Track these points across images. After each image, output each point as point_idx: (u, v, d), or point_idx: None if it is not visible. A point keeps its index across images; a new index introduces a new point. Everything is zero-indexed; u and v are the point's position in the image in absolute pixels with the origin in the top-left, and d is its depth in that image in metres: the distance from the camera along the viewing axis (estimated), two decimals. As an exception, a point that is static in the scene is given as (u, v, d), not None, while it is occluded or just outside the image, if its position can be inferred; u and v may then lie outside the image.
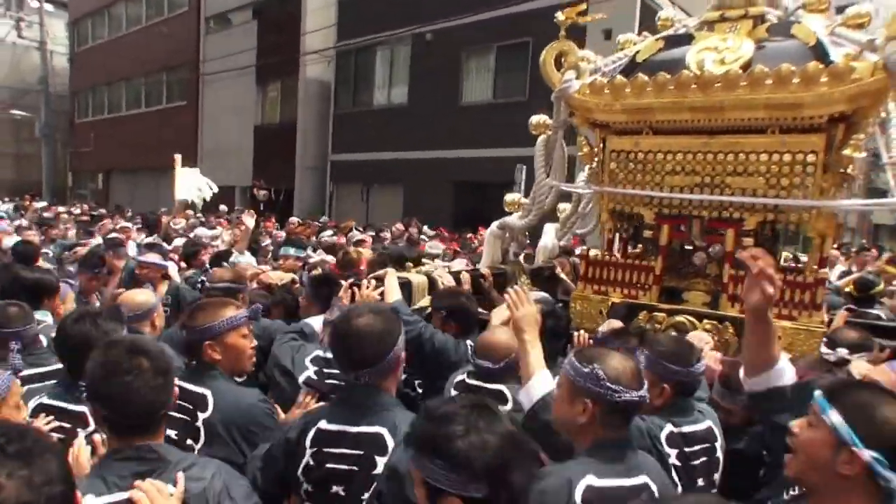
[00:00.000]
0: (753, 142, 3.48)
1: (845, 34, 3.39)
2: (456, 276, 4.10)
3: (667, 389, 2.48)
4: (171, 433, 2.24)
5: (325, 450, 2.15)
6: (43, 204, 16.64)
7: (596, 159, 4.14)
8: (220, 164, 24.30)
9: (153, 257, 5.06)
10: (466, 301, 3.61)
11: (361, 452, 2.12)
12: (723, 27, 3.84)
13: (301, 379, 2.98)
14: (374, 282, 3.53)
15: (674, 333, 3.41)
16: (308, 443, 2.16)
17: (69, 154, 34.38)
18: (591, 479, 1.87)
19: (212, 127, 25.08)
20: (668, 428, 2.42)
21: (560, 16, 3.95)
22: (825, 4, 3.70)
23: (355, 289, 3.42)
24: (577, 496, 1.84)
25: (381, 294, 3.45)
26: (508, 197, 4.75)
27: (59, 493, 1.18)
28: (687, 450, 2.42)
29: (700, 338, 3.22)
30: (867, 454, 1.51)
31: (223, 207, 17.86)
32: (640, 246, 4.39)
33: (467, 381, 2.81)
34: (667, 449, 2.38)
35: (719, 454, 2.55)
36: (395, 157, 18.49)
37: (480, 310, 3.75)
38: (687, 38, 3.88)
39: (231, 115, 23.75)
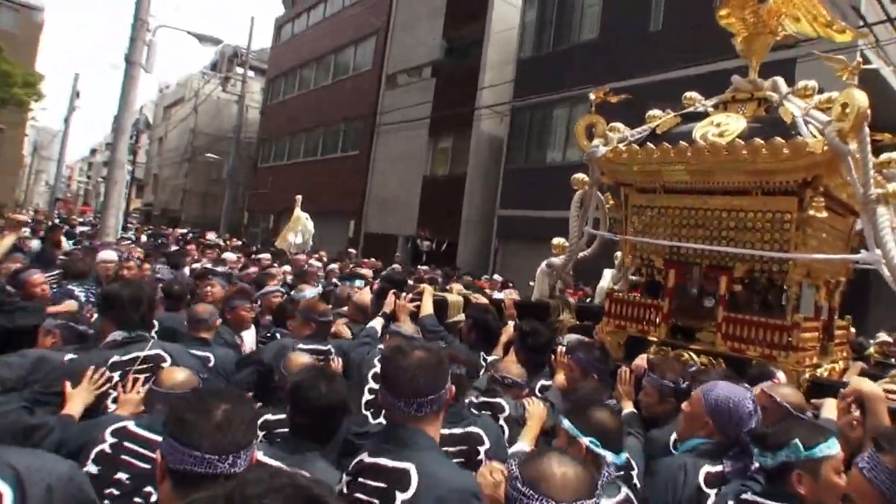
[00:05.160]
0: (741, 202, 4.64)
1: (816, 115, 4.41)
2: (497, 302, 5.53)
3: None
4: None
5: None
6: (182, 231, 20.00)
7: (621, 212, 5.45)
8: (386, 212, 26.95)
9: None
10: (491, 318, 4.96)
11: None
12: (734, 107, 5.05)
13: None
14: (410, 295, 4.95)
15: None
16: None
17: (248, 195, 40.00)
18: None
19: (381, 176, 27.88)
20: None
21: (591, 96, 5.34)
22: (809, 92, 4.79)
23: (394, 296, 4.87)
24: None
25: (418, 307, 4.85)
26: (555, 241, 6.09)
27: None
28: None
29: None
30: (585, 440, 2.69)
31: (352, 251, 20.25)
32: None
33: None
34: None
35: None
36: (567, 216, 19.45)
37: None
38: (702, 115, 5.09)
39: (401, 164, 26.33)
